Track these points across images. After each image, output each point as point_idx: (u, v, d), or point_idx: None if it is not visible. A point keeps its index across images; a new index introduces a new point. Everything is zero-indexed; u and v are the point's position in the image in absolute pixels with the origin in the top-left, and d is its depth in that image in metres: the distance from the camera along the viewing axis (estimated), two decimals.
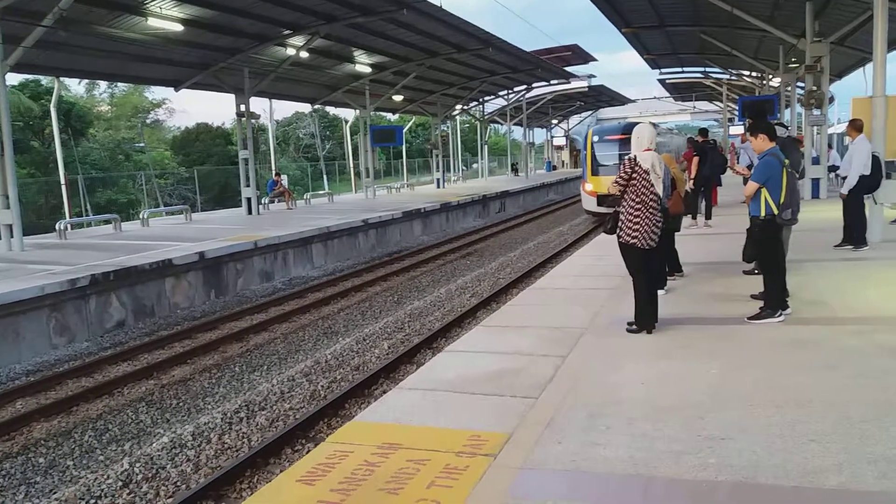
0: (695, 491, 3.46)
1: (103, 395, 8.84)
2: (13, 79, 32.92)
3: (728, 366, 5.39)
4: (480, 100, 41.75)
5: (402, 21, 20.20)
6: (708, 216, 14.15)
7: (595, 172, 21.75)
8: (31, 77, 34.33)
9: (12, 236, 15.03)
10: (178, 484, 6.26)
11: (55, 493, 6.29)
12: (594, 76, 44.26)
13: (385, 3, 18.44)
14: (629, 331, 6.46)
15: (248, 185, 23.12)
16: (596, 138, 22.29)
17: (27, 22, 14.12)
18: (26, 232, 16.15)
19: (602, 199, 20.35)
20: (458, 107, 40.51)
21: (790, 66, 24.20)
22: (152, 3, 15.81)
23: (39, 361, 10.36)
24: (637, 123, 14.50)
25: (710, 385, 4.99)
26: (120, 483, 6.21)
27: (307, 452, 5.32)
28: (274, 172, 30.22)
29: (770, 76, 30.57)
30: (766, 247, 6.68)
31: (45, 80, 34.74)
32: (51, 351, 10.76)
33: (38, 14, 14.00)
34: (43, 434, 7.75)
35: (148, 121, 49.06)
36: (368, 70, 26.26)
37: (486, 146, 50.02)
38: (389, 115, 44.72)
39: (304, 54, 21.52)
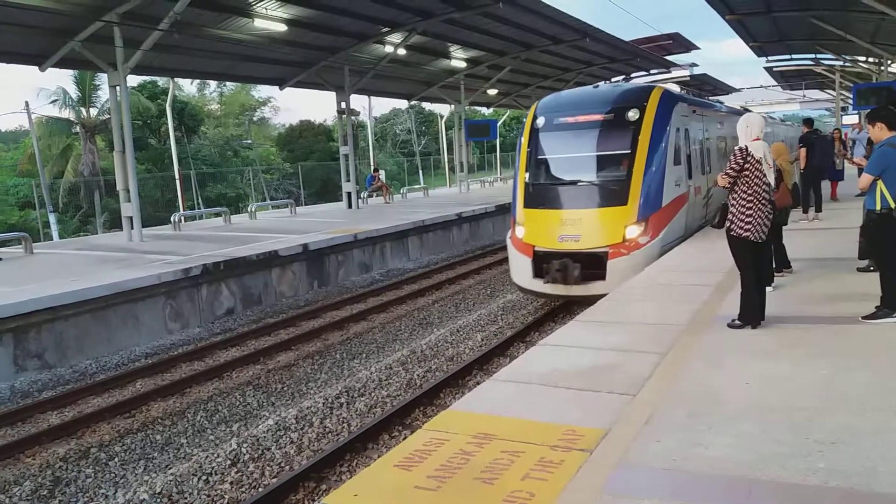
0: (802, 496, 3.32)
1: (214, 378, 9.37)
2: (132, 80, 35.14)
3: (839, 367, 5.11)
4: None
5: (497, 14, 20.16)
6: (818, 209, 13.39)
7: (536, 201, 11.00)
8: (148, 78, 36.57)
9: (132, 227, 16.12)
10: (282, 465, 6.57)
11: (171, 468, 6.73)
12: (696, 65, 42.54)
13: None
14: (732, 326, 6.24)
15: (348, 180, 23.79)
16: (542, 121, 11.53)
17: (145, 26, 15.04)
18: (144, 224, 17.24)
19: (545, 264, 10.35)
20: None
21: None
22: (258, 5, 16.48)
23: (156, 345, 11.08)
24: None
25: (820, 386, 4.75)
26: (229, 462, 6.58)
27: (404, 439, 5.46)
28: (372, 168, 30.94)
29: (889, 62, 28.45)
30: (883, 242, 6.27)
31: (160, 81, 36.97)
32: (166, 335, 11.49)
33: (155, 18, 14.88)
34: (160, 413, 8.31)
35: (254, 118, 51.27)
36: (463, 65, 26.37)
37: None
38: (483, 109, 44.73)
39: (401, 51, 21.88)
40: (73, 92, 34.55)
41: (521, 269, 10.81)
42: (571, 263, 9.93)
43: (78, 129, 35.30)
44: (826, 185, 14.81)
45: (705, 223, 12.82)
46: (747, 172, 6.04)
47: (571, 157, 11.33)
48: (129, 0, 14.22)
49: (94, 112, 35.20)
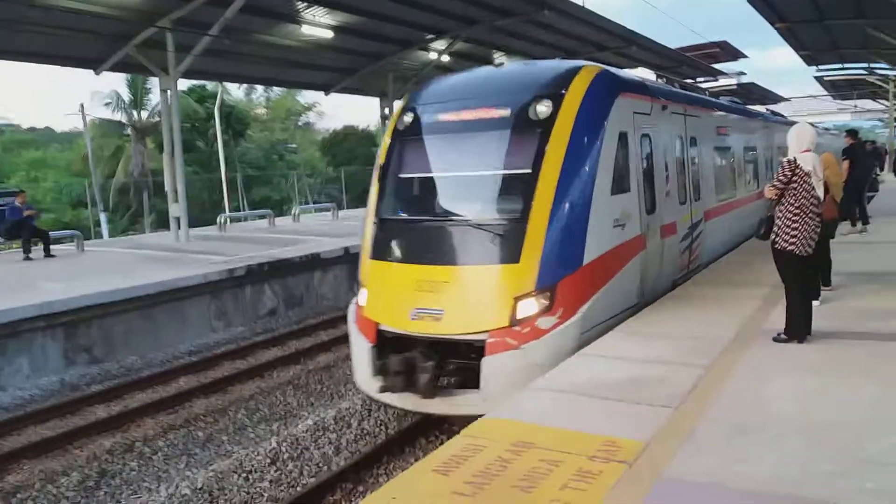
0: None
1: (255, 377, 9.53)
2: (182, 84, 35.94)
3: (889, 385, 4.96)
4: None
5: (542, 21, 20.10)
6: (864, 221, 13.02)
7: (386, 248, 7.16)
8: (197, 82, 37.44)
9: (179, 228, 16.52)
10: (321, 464, 6.64)
11: (212, 464, 6.86)
12: (744, 73, 41.78)
13: (526, 5, 18.44)
14: (778, 340, 6.11)
15: None
16: (408, 119, 7.78)
17: (196, 32, 15.41)
18: (191, 224, 17.65)
19: (393, 355, 6.42)
20: None
21: None
22: (306, 11, 16.75)
23: (200, 343, 11.32)
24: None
25: (869, 405, 4.62)
26: (268, 460, 6.68)
27: (440, 444, 5.47)
28: None
29: None
30: None
31: (209, 85, 37.79)
32: (210, 334, 11.73)
33: (205, 24, 15.24)
34: (202, 410, 8.48)
35: (300, 123, 52.00)
36: None
37: None
38: None
39: (445, 58, 22.00)
40: (126, 95, 35.61)
41: (358, 360, 6.88)
42: (422, 359, 6.17)
43: (129, 131, 36.36)
44: None
45: (687, 275, 9.40)
46: (795, 185, 5.92)
47: (441, 178, 7.44)
48: (182, 6, 14.59)
49: (144, 115, 36.24)
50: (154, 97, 34.19)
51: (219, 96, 26.35)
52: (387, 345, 6.56)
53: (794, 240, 5.95)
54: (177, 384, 9.39)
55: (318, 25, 17.42)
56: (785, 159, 6.06)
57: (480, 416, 4.98)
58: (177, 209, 16.41)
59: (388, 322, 6.63)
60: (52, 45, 15.60)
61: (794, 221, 5.95)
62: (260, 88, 47.73)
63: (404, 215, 7.40)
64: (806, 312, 6.14)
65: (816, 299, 7.22)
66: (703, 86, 39.56)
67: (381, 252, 7.13)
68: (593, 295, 6.66)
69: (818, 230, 6.05)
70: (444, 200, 7.30)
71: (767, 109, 21.90)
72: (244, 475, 6.44)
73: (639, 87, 8.45)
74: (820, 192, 5.99)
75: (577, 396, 5.09)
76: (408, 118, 7.74)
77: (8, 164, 42.21)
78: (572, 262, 6.55)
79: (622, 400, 4.94)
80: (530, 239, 6.41)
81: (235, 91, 47.33)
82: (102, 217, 28.17)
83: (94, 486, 6.76)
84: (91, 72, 17.15)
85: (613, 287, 7.01)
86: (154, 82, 29.80)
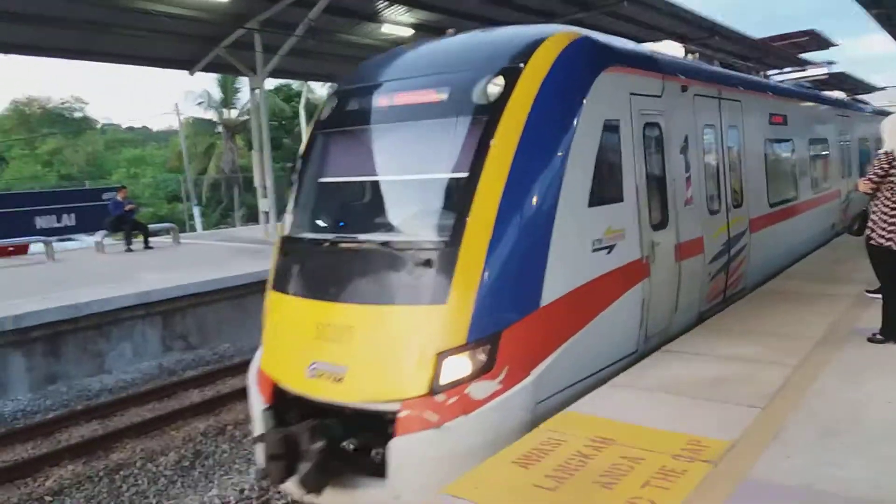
0: None
1: None
2: (269, 83, 37.12)
3: None
4: None
5: (622, 14, 19.75)
6: None
7: (288, 277, 5.48)
8: (283, 81, 38.60)
9: (268, 221, 17.15)
10: None
11: None
12: (834, 62, 39.66)
13: None
14: (873, 340, 5.84)
15: None
16: (333, 105, 6.06)
17: (282, 32, 15.94)
18: (279, 218, 18.23)
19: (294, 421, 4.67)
20: None
21: None
22: (387, 11, 17.03)
23: None
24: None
25: None
26: None
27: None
28: None
29: None
30: None
31: (294, 84, 38.91)
32: None
33: (291, 25, 15.73)
34: None
35: None
36: None
37: None
38: None
39: None
40: (216, 94, 37.12)
41: (255, 423, 5.21)
42: (308, 439, 4.44)
43: (220, 128, 37.93)
44: None
45: (726, 301, 7.67)
46: (893, 178, 5.65)
47: (355, 184, 5.89)
48: (269, 8, 15.12)
49: (234, 113, 37.69)
50: (243, 96, 35.58)
51: (303, 95, 27.06)
52: (290, 408, 4.82)
53: (891, 235, 5.68)
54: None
55: (398, 24, 17.67)
56: (882, 151, 5.79)
57: None
58: (266, 203, 17.06)
59: (283, 378, 4.99)
60: (149, 48, 16.49)
61: (891, 216, 5.68)
62: None
63: (308, 233, 5.65)
64: None
65: None
66: (790, 76, 37.85)
67: (283, 282, 5.46)
68: (558, 347, 4.86)
69: None
70: (357, 215, 5.71)
71: (851, 97, 20.23)
72: None
73: (641, 61, 6.47)
74: None
75: (659, 393, 5.02)
76: (332, 105, 6.04)
77: (110, 162, 44.88)
78: (525, 301, 4.77)
79: (708, 398, 4.84)
80: (463, 270, 4.62)
81: (319, 90, 48.56)
82: (196, 211, 29.58)
83: (189, 466, 7.17)
84: (185, 73, 18.03)
85: (593, 334, 5.19)
86: (242, 81, 31.00)
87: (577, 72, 5.43)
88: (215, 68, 19.95)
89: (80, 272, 13.07)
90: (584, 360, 5.15)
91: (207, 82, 49.71)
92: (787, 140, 10.37)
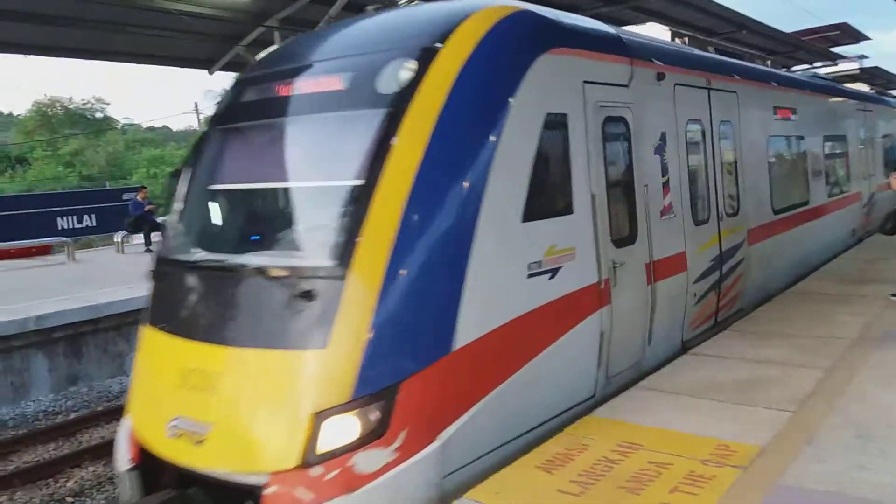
0: None
1: None
2: None
3: None
4: None
5: (647, 8, 19.48)
6: None
7: (162, 307, 4.59)
8: None
9: None
10: None
11: None
12: (866, 57, 38.94)
13: None
14: None
15: None
16: (232, 95, 5.19)
17: (302, 30, 15.89)
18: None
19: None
20: None
21: None
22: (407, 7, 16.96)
23: None
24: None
25: None
26: None
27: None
28: None
29: None
30: None
31: None
32: None
33: (311, 22, 15.68)
34: None
35: None
36: None
37: None
38: None
39: None
40: None
41: (120, 485, 4.49)
42: None
43: None
44: None
45: (716, 326, 6.79)
46: None
47: (235, 192, 5.00)
48: (289, 5, 15.10)
49: None
50: None
51: None
52: (147, 468, 4.09)
53: None
54: None
55: None
56: None
57: None
58: None
59: (144, 434, 4.13)
60: (168, 47, 16.55)
61: None
62: None
63: (180, 254, 4.70)
64: None
65: None
66: (820, 71, 37.26)
67: (156, 313, 4.58)
68: (478, 401, 3.91)
69: None
70: (234, 232, 4.87)
71: (879, 91, 19.05)
72: None
73: (599, 41, 5.41)
74: None
75: (687, 397, 4.90)
76: (229, 97, 5.18)
77: (130, 162, 45.29)
78: (431, 344, 3.80)
79: (737, 402, 4.73)
80: (350, 304, 3.69)
81: None
82: None
83: None
84: (205, 72, 18.10)
85: (529, 380, 4.23)
86: None
87: (508, 53, 4.46)
88: (234, 67, 19.92)
89: (101, 273, 13.15)
90: (516, 414, 4.17)
91: (227, 81, 50.08)
92: (797, 137, 9.34)
